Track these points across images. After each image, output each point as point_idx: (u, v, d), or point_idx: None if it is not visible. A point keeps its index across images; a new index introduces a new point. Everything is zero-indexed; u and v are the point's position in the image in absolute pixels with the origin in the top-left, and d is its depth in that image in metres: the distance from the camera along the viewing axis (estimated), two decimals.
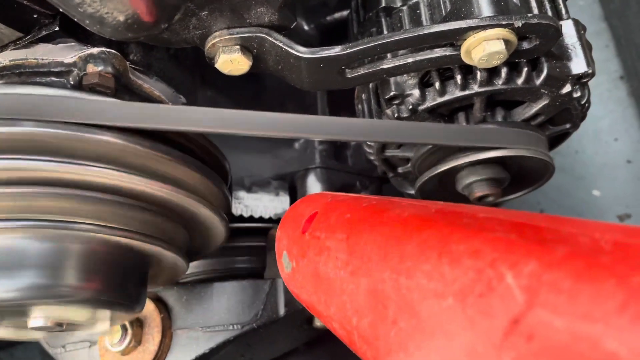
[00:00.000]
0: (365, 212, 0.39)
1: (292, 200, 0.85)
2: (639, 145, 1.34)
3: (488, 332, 0.25)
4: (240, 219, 0.81)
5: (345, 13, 0.89)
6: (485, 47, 0.48)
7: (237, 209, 0.80)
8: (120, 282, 0.53)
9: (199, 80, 0.69)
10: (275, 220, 0.83)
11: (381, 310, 0.33)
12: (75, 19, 0.46)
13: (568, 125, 0.64)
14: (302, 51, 0.50)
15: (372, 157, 0.70)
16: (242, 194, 0.82)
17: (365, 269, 0.35)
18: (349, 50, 0.49)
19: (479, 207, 0.34)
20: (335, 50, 0.50)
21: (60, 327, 0.53)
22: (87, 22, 0.46)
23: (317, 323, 0.76)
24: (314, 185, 0.84)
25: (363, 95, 0.64)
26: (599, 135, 1.37)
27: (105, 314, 0.54)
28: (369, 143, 0.67)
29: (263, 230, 0.83)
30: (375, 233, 0.36)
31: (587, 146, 1.37)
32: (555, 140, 0.69)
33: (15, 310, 0.51)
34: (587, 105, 0.61)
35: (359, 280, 0.36)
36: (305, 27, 0.91)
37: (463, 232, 0.30)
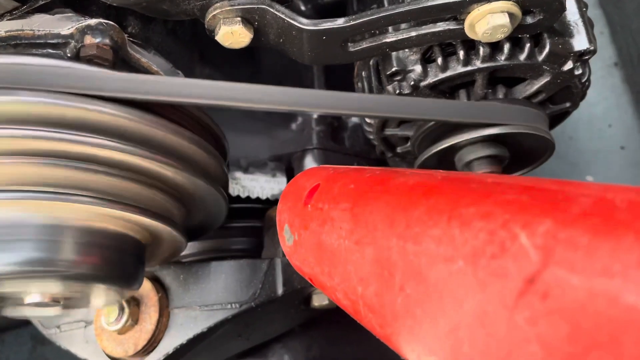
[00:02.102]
0: (369, 182, 0.39)
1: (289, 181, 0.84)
2: (632, 132, 1.34)
3: (500, 293, 0.25)
4: (237, 199, 0.81)
5: None
6: (489, 20, 0.48)
7: (234, 189, 0.80)
8: (118, 257, 0.52)
9: (197, 57, 0.68)
10: (272, 202, 0.82)
11: (387, 278, 0.33)
12: None
13: (568, 104, 0.64)
14: (304, 23, 0.49)
15: (371, 136, 0.70)
16: (238, 174, 0.81)
17: (371, 237, 0.35)
18: (352, 23, 0.49)
19: (485, 174, 0.34)
20: (338, 23, 0.49)
21: (57, 302, 0.52)
22: None
23: (314, 303, 0.75)
24: (311, 166, 0.84)
25: (363, 72, 0.64)
26: (593, 121, 1.37)
27: (103, 289, 0.53)
28: (368, 121, 0.67)
29: (260, 211, 0.82)
30: (380, 201, 0.36)
31: (581, 132, 1.38)
32: (555, 120, 0.68)
33: (12, 286, 0.50)
34: (587, 83, 0.61)
35: (364, 249, 0.36)
36: (302, 8, 0.90)
37: (472, 196, 0.29)
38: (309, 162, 0.84)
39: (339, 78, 0.87)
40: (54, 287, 0.51)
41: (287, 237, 0.46)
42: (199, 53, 0.69)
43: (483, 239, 0.27)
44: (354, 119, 0.90)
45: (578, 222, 0.23)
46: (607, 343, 0.21)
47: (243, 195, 0.81)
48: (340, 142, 0.89)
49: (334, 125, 0.88)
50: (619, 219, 0.22)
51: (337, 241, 0.38)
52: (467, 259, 0.27)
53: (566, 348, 0.22)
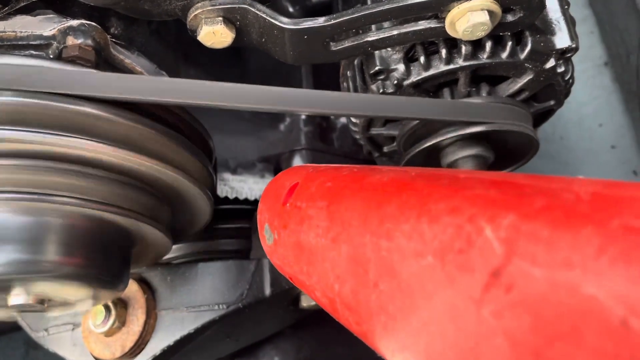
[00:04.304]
0: (345, 180, 0.39)
1: None
2: (623, 131, 1.34)
3: (468, 287, 0.25)
4: (226, 201, 0.81)
5: None
6: (469, 18, 0.48)
7: (223, 190, 0.80)
8: (102, 258, 0.52)
9: (181, 58, 0.68)
10: None
11: (362, 275, 0.33)
12: None
13: (552, 102, 0.64)
14: (285, 22, 0.49)
15: (357, 136, 0.70)
16: (227, 175, 0.81)
17: (346, 234, 0.35)
18: (332, 22, 0.49)
19: (459, 170, 0.34)
20: (319, 22, 0.49)
21: (42, 304, 0.52)
22: None
23: (303, 304, 0.75)
24: None
25: (348, 72, 0.64)
26: (584, 121, 1.38)
27: (87, 290, 0.53)
28: (354, 121, 0.67)
29: (248, 212, 0.82)
30: (355, 199, 0.36)
31: (572, 132, 1.38)
32: (540, 118, 0.69)
33: None
34: (571, 81, 0.61)
35: (340, 246, 0.36)
36: (290, 9, 0.90)
37: (442, 192, 0.30)
38: (297, 163, 0.84)
39: (326, 78, 0.87)
40: (38, 288, 0.51)
41: (267, 236, 0.46)
42: (183, 54, 0.69)
43: (450, 234, 0.27)
44: (343, 119, 0.90)
45: (540, 215, 0.23)
46: (569, 333, 0.21)
47: (231, 196, 0.81)
48: (329, 142, 0.89)
49: (322, 126, 0.88)
50: (579, 212, 0.22)
51: (315, 239, 0.38)
52: (436, 254, 0.27)
53: (530, 340, 0.22)
